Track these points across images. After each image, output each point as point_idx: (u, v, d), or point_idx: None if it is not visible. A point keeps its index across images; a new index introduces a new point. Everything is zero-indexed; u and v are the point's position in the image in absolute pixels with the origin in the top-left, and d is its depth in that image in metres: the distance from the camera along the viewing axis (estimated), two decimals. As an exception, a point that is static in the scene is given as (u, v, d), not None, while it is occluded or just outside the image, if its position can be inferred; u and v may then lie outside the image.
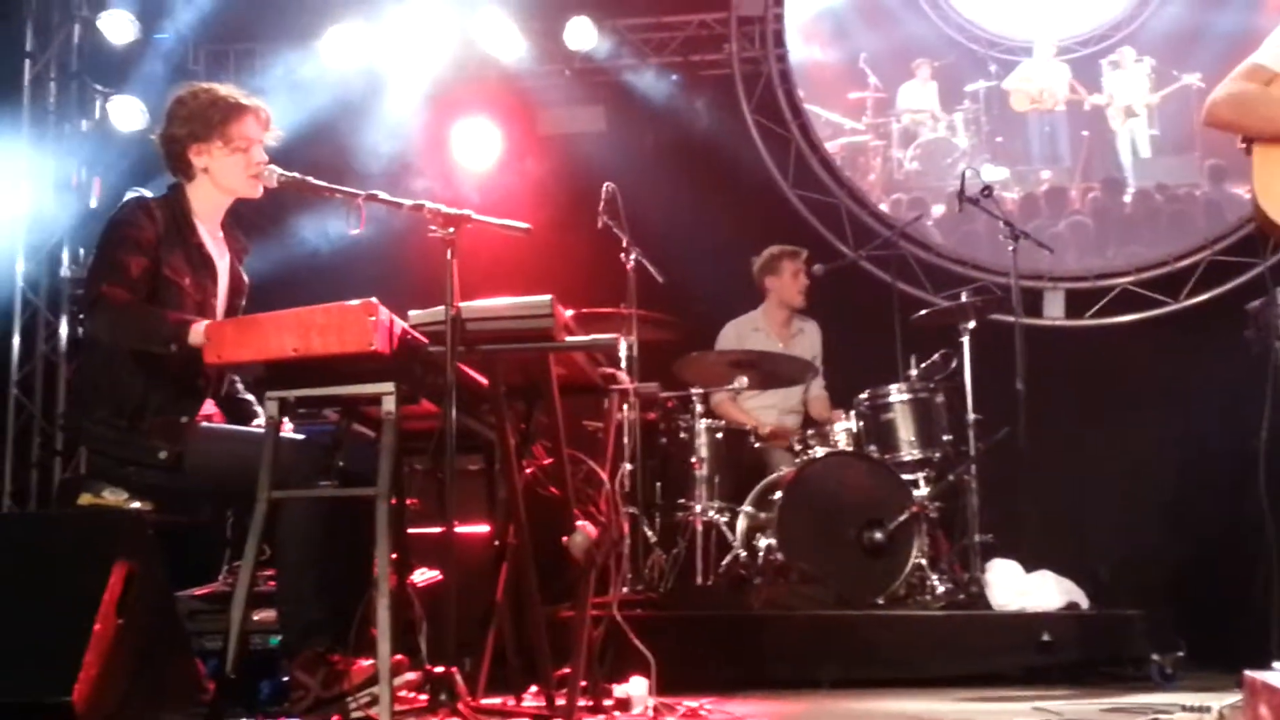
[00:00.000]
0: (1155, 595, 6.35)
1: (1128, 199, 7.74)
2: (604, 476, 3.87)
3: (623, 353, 4.80)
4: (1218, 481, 6.72)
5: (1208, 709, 3.44)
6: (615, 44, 7.93)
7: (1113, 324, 7.50)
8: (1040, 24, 7.83)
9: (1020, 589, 5.52)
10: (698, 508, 5.93)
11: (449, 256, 3.37)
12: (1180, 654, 5.14)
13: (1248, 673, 2.98)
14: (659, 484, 6.20)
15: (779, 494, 5.78)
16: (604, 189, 5.62)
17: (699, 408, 6.10)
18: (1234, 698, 3.31)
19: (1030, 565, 5.67)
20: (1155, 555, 6.93)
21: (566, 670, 3.62)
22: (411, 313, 3.43)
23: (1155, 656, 5.07)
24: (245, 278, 3.96)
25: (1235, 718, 3.26)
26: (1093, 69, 7.77)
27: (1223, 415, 6.64)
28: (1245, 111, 3.53)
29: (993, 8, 7.88)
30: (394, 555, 3.25)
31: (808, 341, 6.87)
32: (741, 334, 6.84)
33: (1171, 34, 7.66)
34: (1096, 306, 7.55)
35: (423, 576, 3.91)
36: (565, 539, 3.67)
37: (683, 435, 6.14)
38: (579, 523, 3.71)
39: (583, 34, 7.69)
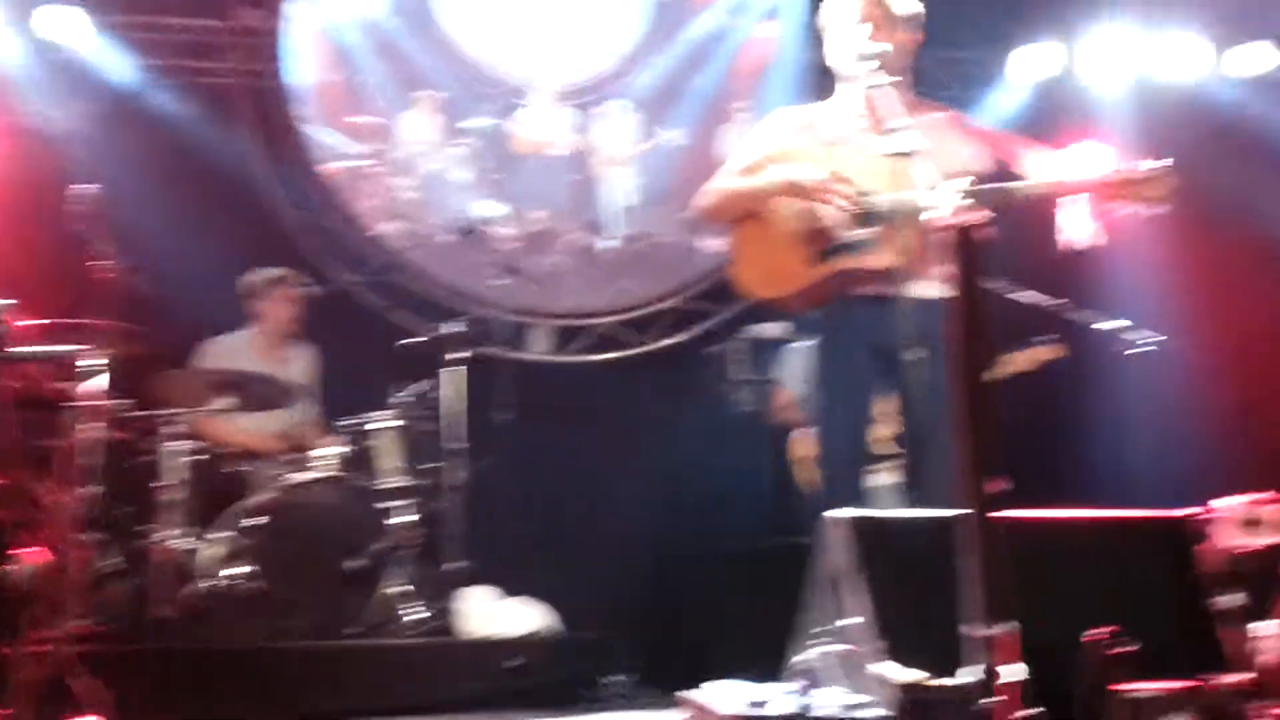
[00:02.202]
0: (624, 621, 6.71)
1: (614, 243, 8.17)
2: (59, 500, 3.60)
3: (95, 367, 4.50)
4: (688, 511, 7.22)
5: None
6: (108, 41, 7.43)
7: (593, 361, 7.88)
8: (540, 69, 8.13)
9: (493, 616, 5.66)
10: (166, 534, 5.62)
11: None
12: (636, 676, 5.46)
13: (679, 693, 3.21)
14: (127, 508, 5.83)
15: (256, 520, 5.59)
16: (79, 192, 5.24)
17: (175, 428, 5.80)
18: (676, 715, 3.53)
19: (505, 592, 5.83)
20: (624, 583, 7.31)
21: (9, 711, 3.33)
22: None
23: (613, 679, 5.34)
24: None
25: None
26: (587, 118, 8.16)
27: (689, 450, 7.16)
28: (717, 203, 4.13)
29: (496, 49, 8.09)
30: None
31: (298, 365, 6.71)
32: (228, 353, 6.57)
33: (658, 90, 8.20)
34: (578, 343, 7.90)
35: None
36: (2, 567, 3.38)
37: (154, 456, 5.81)
38: (22, 550, 3.42)
39: (55, 23, 7.16)
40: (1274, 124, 7.61)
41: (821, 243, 3.93)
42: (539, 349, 7.84)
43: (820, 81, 4.49)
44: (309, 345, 6.71)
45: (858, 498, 3.90)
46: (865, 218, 3.92)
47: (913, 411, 3.86)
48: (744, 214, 4.05)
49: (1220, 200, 7.51)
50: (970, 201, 3.69)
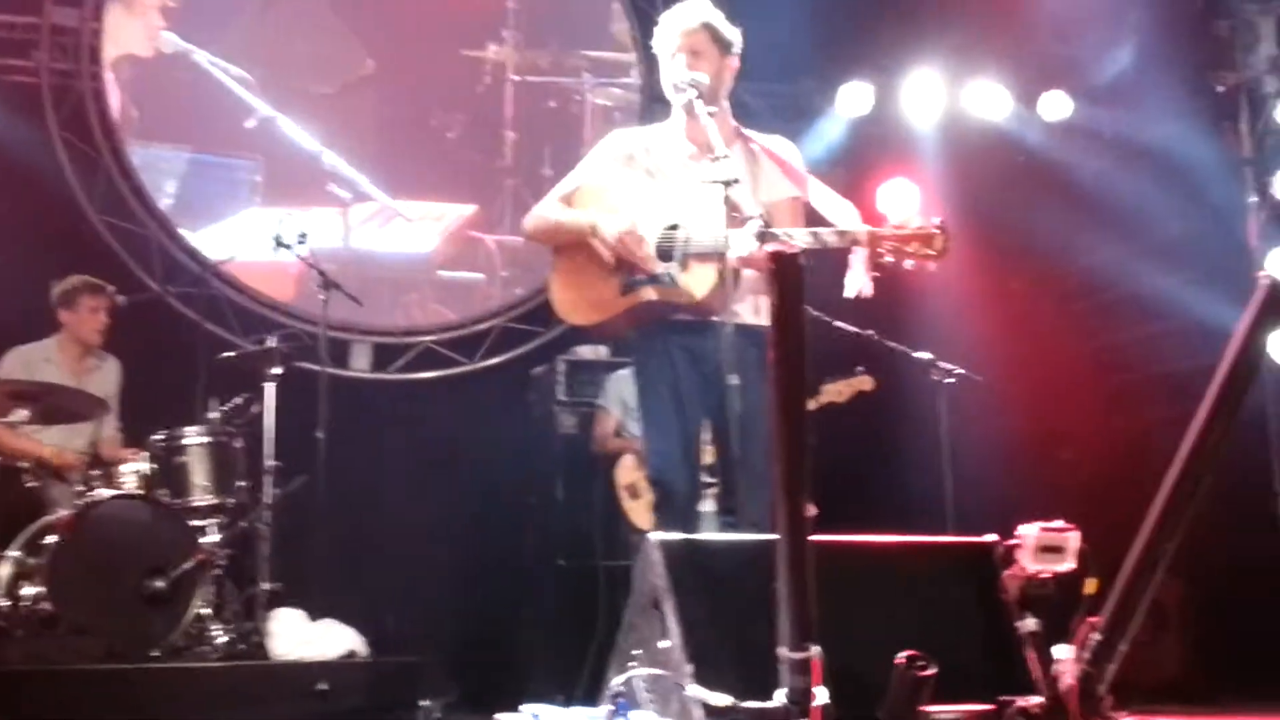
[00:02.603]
0: (440, 643, 6.63)
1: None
2: None
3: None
4: (506, 533, 7.18)
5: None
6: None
7: (415, 379, 7.78)
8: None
9: (303, 638, 5.52)
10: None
11: None
12: (451, 699, 5.39)
13: (498, 716, 3.19)
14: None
15: (52, 538, 5.36)
16: None
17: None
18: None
19: (318, 614, 5.69)
20: (441, 604, 7.23)
21: None
22: None
23: (426, 702, 5.27)
24: None
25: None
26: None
27: (508, 471, 7.13)
28: (541, 232, 4.22)
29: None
30: None
31: (103, 378, 6.45)
32: (30, 363, 6.29)
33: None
34: (401, 361, 7.80)
35: None
36: None
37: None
38: None
39: None
40: (1073, 167, 7.98)
41: (627, 274, 4.02)
42: (359, 366, 7.71)
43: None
44: (114, 357, 6.47)
45: (683, 522, 3.93)
46: (666, 254, 4.01)
47: (727, 438, 3.93)
48: (560, 243, 4.16)
49: (1025, 238, 7.86)
50: (760, 245, 3.84)
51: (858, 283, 4.06)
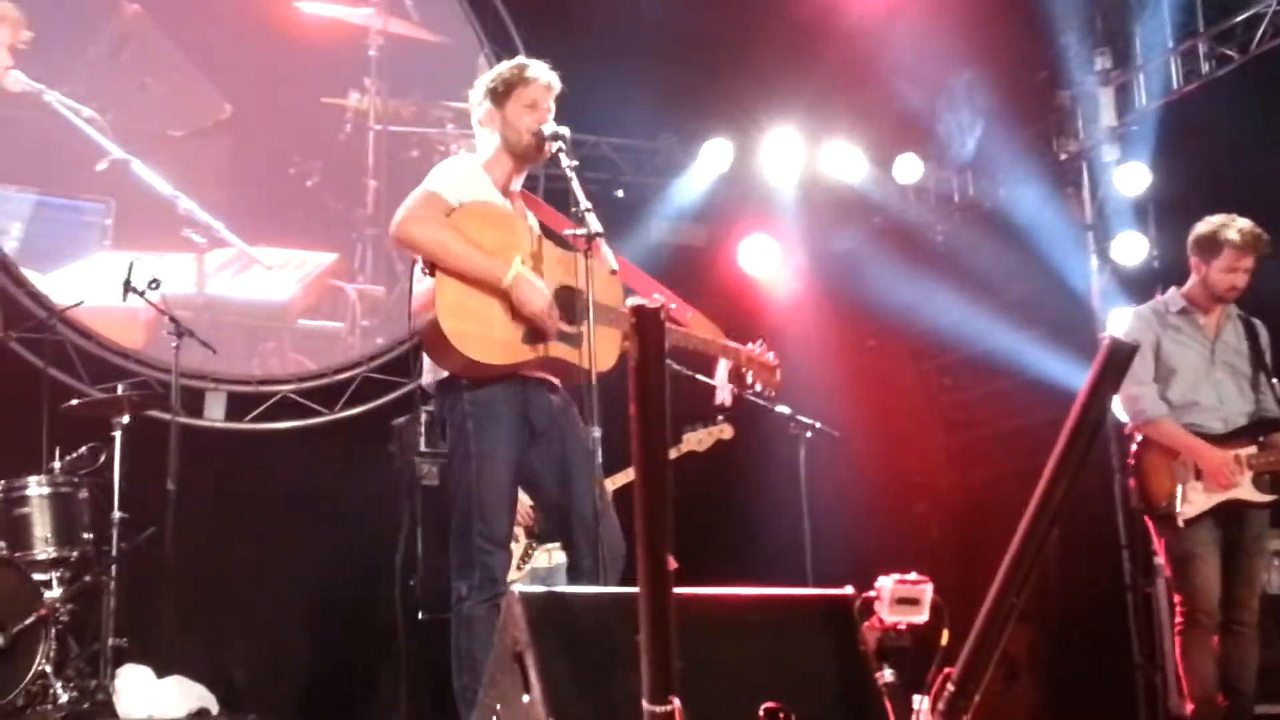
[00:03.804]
0: (292, 699, 6.48)
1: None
2: None
3: None
4: (364, 586, 7.05)
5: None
6: None
7: (272, 429, 7.63)
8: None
9: (150, 695, 5.36)
10: None
11: None
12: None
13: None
14: None
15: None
16: None
17: None
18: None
19: (164, 670, 5.53)
20: (295, 659, 7.08)
21: None
22: None
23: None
24: None
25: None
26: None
27: (365, 523, 7.02)
28: (437, 252, 3.95)
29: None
30: None
31: (-62, 424, 6.22)
32: None
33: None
34: (257, 411, 7.65)
35: None
36: None
37: None
38: None
39: None
40: (925, 228, 8.23)
41: (535, 326, 4.00)
42: (213, 415, 7.54)
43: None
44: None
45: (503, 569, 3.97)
46: (569, 312, 4.04)
47: (571, 487, 4.02)
48: (451, 272, 3.97)
49: (879, 296, 8.07)
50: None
51: (723, 391, 4.47)
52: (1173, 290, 5.29)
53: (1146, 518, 5.17)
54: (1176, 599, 5.03)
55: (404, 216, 4.00)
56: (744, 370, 4.51)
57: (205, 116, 7.91)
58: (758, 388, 4.59)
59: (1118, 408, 5.28)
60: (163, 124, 7.79)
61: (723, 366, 4.46)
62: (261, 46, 8.10)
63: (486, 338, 3.96)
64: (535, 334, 4.01)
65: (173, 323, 6.24)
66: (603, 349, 3.99)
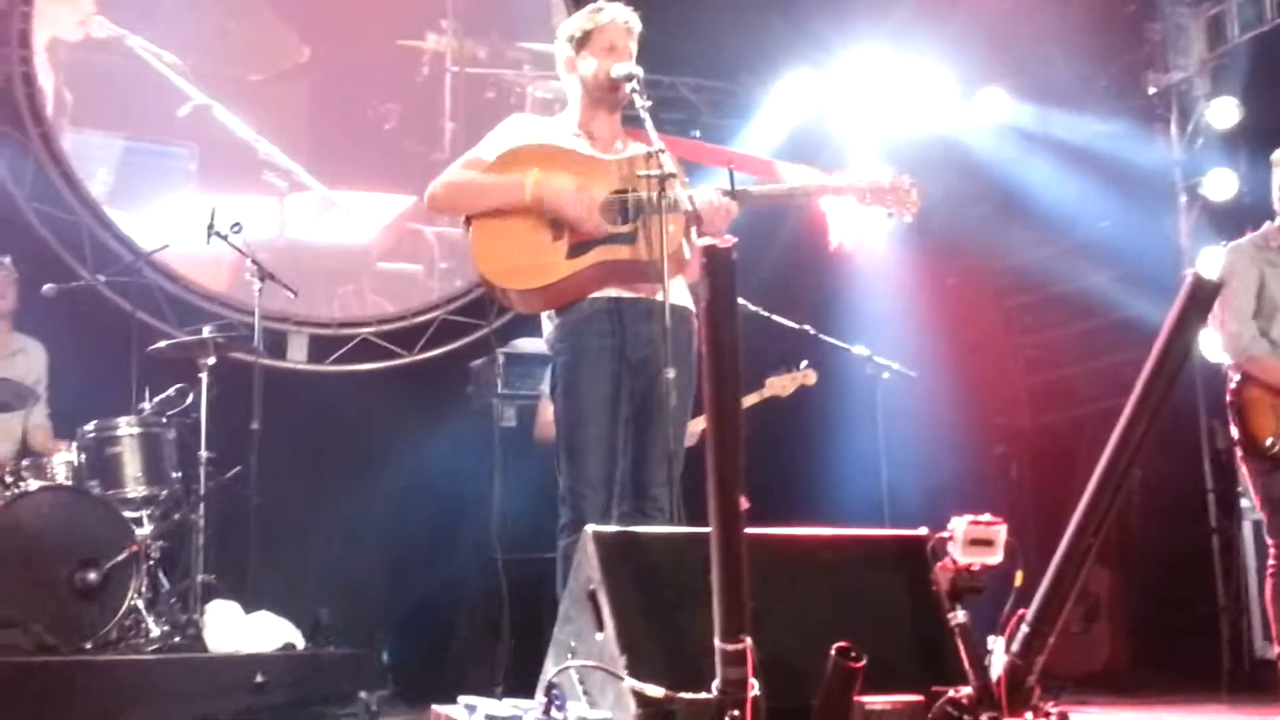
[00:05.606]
0: (377, 636, 6.59)
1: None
2: None
3: None
4: (442, 526, 7.15)
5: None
6: None
7: (352, 371, 7.72)
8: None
9: (238, 630, 5.48)
10: None
11: None
12: (387, 692, 5.38)
13: (435, 707, 3.19)
14: None
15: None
16: None
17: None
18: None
19: (252, 606, 5.65)
20: (378, 597, 7.20)
21: None
22: None
23: (363, 694, 5.24)
24: None
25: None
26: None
27: (446, 463, 7.10)
28: (460, 196, 4.02)
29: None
30: None
31: (28, 363, 6.34)
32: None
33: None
34: (338, 353, 7.74)
35: None
36: None
37: None
38: None
39: None
40: (1008, 164, 8.05)
41: (577, 237, 3.91)
42: (295, 357, 7.64)
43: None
44: (39, 342, 6.36)
45: (607, 514, 3.92)
46: (623, 212, 3.93)
47: (653, 425, 3.91)
48: (480, 208, 3.97)
49: (960, 235, 7.94)
50: (728, 200, 3.88)
51: (840, 233, 4.10)
52: (1269, 224, 5.11)
53: (1242, 458, 5.03)
54: (1270, 541, 4.91)
55: (434, 184, 4.05)
56: (869, 203, 4.13)
57: (284, 60, 7.97)
58: (889, 215, 4.17)
59: (1213, 346, 5.14)
60: (243, 68, 7.86)
61: (837, 205, 4.14)
62: (338, -11, 8.15)
63: (529, 266, 3.92)
64: (579, 245, 3.91)
65: (255, 265, 6.33)
66: (660, 238, 3.76)
